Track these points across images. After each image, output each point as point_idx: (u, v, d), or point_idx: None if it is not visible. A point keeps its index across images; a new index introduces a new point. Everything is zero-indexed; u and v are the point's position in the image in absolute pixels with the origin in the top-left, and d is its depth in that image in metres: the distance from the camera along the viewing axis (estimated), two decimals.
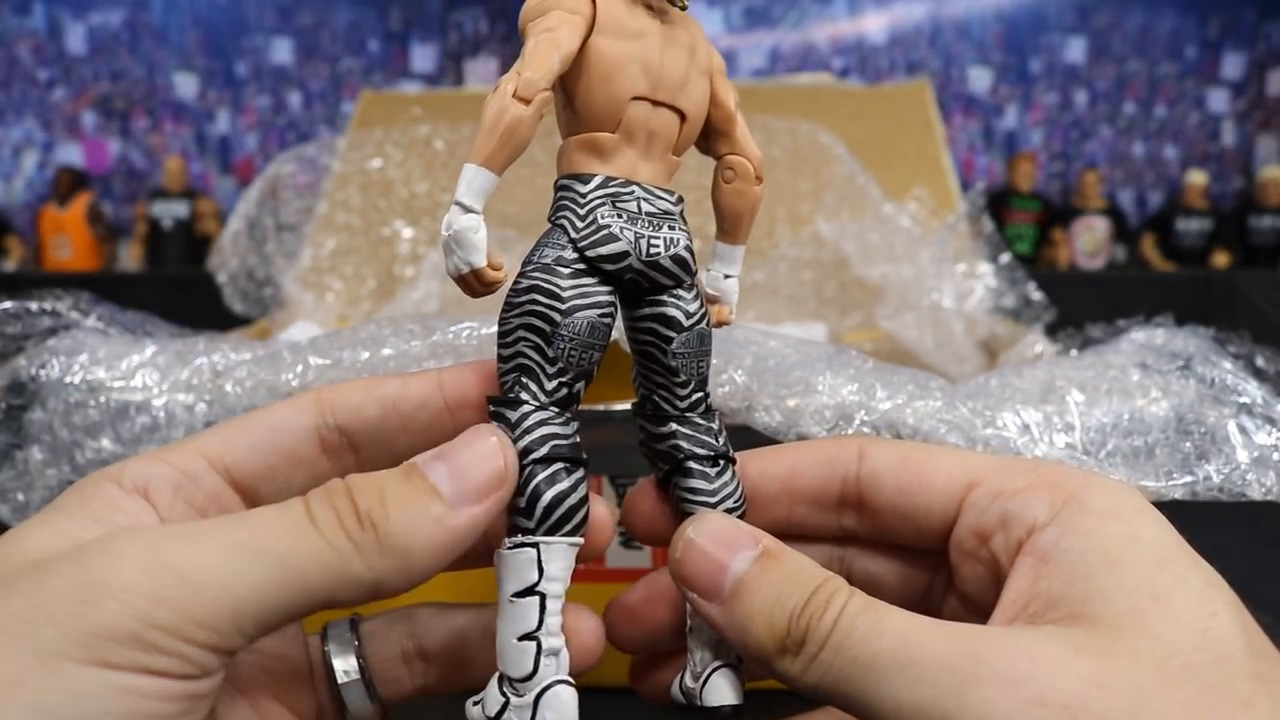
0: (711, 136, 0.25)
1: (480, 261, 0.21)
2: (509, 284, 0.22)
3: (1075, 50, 4.68)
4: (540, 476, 0.21)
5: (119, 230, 4.21)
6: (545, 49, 0.21)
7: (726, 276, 0.26)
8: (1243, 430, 0.35)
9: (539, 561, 0.21)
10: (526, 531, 0.21)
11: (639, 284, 0.23)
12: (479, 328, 0.36)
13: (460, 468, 0.20)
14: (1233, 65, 4.73)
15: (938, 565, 0.24)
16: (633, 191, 0.23)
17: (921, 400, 0.35)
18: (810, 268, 0.75)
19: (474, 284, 0.21)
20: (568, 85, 0.22)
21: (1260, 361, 0.40)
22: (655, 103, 0.23)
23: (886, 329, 0.66)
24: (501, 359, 0.22)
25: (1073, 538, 0.20)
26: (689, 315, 0.23)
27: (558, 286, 0.22)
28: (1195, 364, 0.38)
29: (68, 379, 0.38)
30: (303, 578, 0.18)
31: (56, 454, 0.37)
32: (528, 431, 0.22)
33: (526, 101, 0.21)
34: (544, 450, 0.22)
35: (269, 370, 0.37)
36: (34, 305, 0.42)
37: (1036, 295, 0.69)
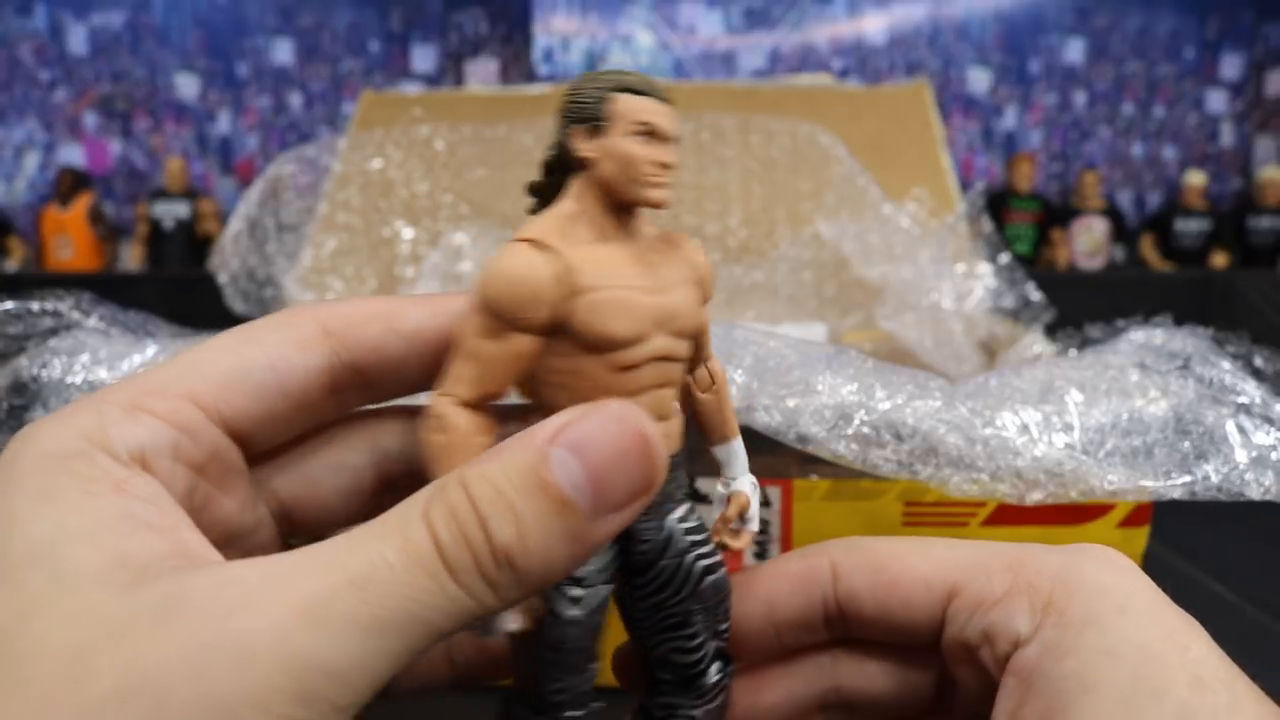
0: None
1: None
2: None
3: (1074, 51, 4.68)
4: None
5: (120, 230, 4.20)
6: None
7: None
8: (1241, 430, 0.35)
9: None
10: None
11: None
12: None
13: (601, 471, 0.17)
14: (1231, 66, 4.73)
15: (940, 664, 0.23)
16: None
17: (921, 400, 0.35)
18: (810, 268, 0.75)
19: None
20: None
21: (1259, 361, 0.40)
22: None
23: (886, 329, 0.66)
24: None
25: (1051, 660, 0.19)
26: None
27: None
28: (1194, 364, 0.38)
29: (69, 379, 0.38)
30: (440, 632, 0.16)
31: None
32: None
33: None
34: None
35: None
36: (35, 305, 0.43)
37: (1035, 295, 0.69)
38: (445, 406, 0.20)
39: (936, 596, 0.22)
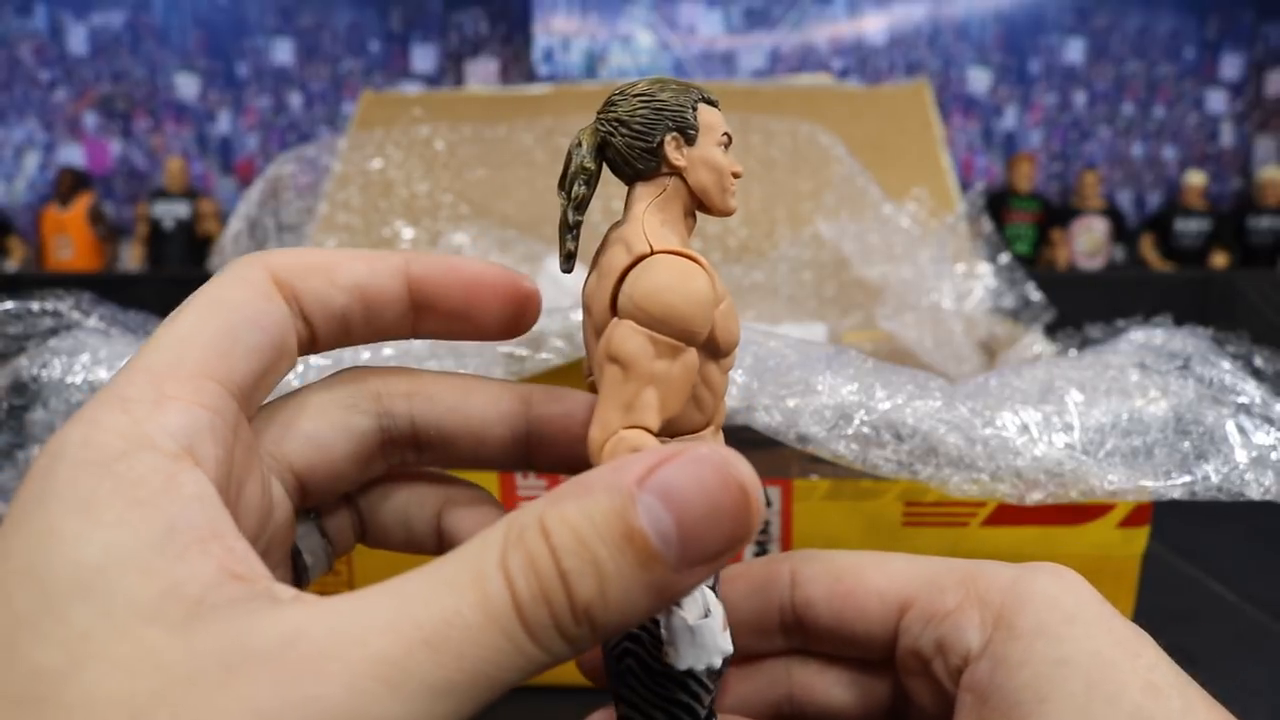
0: None
1: None
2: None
3: (1074, 51, 4.68)
4: None
5: (120, 230, 4.21)
6: None
7: None
8: (1241, 430, 0.35)
9: None
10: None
11: None
12: None
13: (693, 523, 0.16)
14: (1231, 66, 4.73)
15: (895, 680, 0.23)
16: None
17: (921, 400, 0.35)
18: (810, 268, 0.75)
19: None
20: None
21: (1258, 361, 0.40)
22: None
23: (886, 329, 0.66)
24: None
25: (1004, 673, 0.19)
26: None
27: None
28: (1194, 364, 0.38)
29: (69, 379, 0.38)
30: (507, 687, 0.16)
31: None
32: None
33: None
34: None
35: None
36: (36, 305, 0.43)
37: (1035, 295, 0.69)
38: (644, 438, 0.19)
39: (891, 609, 0.22)
